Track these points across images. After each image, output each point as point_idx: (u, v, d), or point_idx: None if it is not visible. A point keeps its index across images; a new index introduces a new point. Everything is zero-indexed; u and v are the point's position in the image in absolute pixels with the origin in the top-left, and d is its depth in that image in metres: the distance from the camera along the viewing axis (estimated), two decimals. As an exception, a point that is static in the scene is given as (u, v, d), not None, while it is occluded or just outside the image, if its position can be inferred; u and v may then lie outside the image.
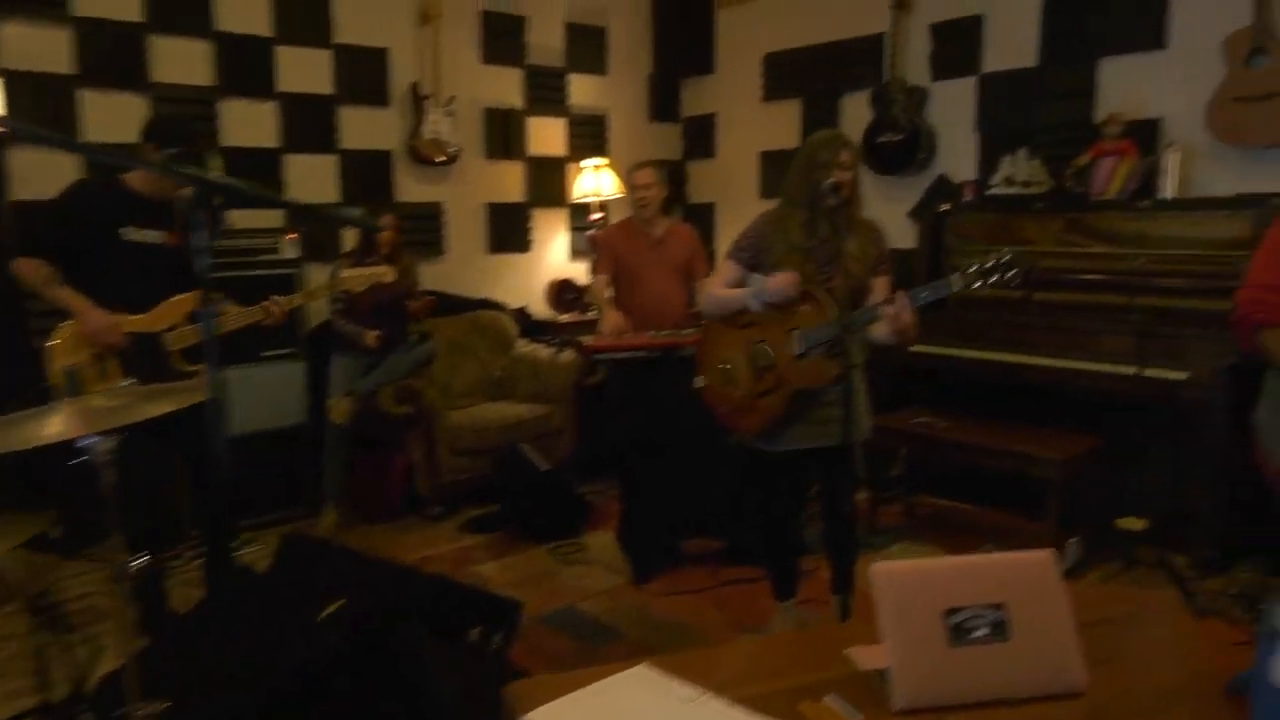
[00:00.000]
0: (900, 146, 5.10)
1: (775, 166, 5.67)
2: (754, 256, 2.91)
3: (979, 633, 1.32)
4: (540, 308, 5.70)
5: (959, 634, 1.32)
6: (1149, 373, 3.66)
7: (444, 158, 5.26)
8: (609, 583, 3.76)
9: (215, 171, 3.76)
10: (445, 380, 4.97)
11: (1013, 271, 2.38)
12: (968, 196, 4.73)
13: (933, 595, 1.33)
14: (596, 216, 5.65)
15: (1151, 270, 4.00)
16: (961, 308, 4.63)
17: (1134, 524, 3.61)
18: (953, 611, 1.33)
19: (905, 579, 1.35)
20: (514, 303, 5.62)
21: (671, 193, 4.81)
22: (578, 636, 3.29)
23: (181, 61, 4.45)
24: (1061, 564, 3.68)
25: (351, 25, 4.94)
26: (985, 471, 4.12)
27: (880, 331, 2.59)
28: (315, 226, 4.71)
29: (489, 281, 5.61)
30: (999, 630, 1.33)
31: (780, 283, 2.72)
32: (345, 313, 4.44)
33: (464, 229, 5.50)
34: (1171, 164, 4.07)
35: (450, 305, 5.23)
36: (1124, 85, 4.38)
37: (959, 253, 4.69)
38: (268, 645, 2.20)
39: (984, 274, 2.43)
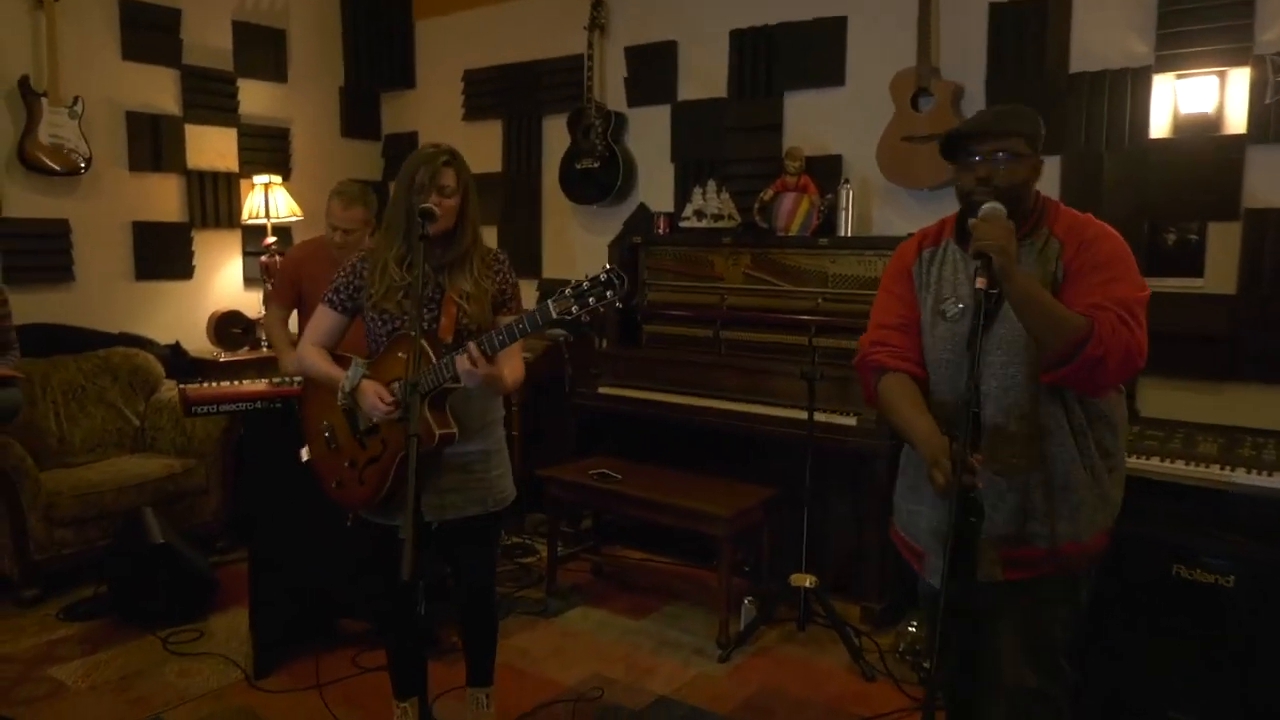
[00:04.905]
0: (599, 174, 4.82)
1: (480, 191, 5.22)
2: (351, 298, 2.45)
3: None
4: (201, 344, 4.94)
5: None
6: (821, 417, 3.51)
7: (69, 167, 4.43)
8: (222, 680, 3.13)
9: None
10: (59, 432, 4.14)
11: (610, 292, 2.04)
12: (661, 229, 4.51)
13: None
14: (270, 242, 4.98)
15: (828, 310, 3.90)
16: (652, 346, 4.39)
17: (804, 580, 3.42)
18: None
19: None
20: (167, 338, 4.85)
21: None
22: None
23: None
24: (738, 624, 3.51)
25: (-69, 2, 4.06)
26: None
27: (468, 383, 2.19)
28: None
29: (137, 313, 4.80)
30: None
31: (369, 399, 2.28)
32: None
33: (100, 251, 4.67)
34: (848, 201, 4.00)
35: (73, 341, 4.40)
36: (807, 120, 4.31)
37: (653, 288, 4.45)
38: None
39: (579, 297, 2.06)
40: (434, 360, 2.23)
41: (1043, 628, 1.94)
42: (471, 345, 2.12)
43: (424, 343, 2.23)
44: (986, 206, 1.82)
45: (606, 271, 2.06)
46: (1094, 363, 1.76)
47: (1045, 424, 1.88)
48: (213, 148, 5.09)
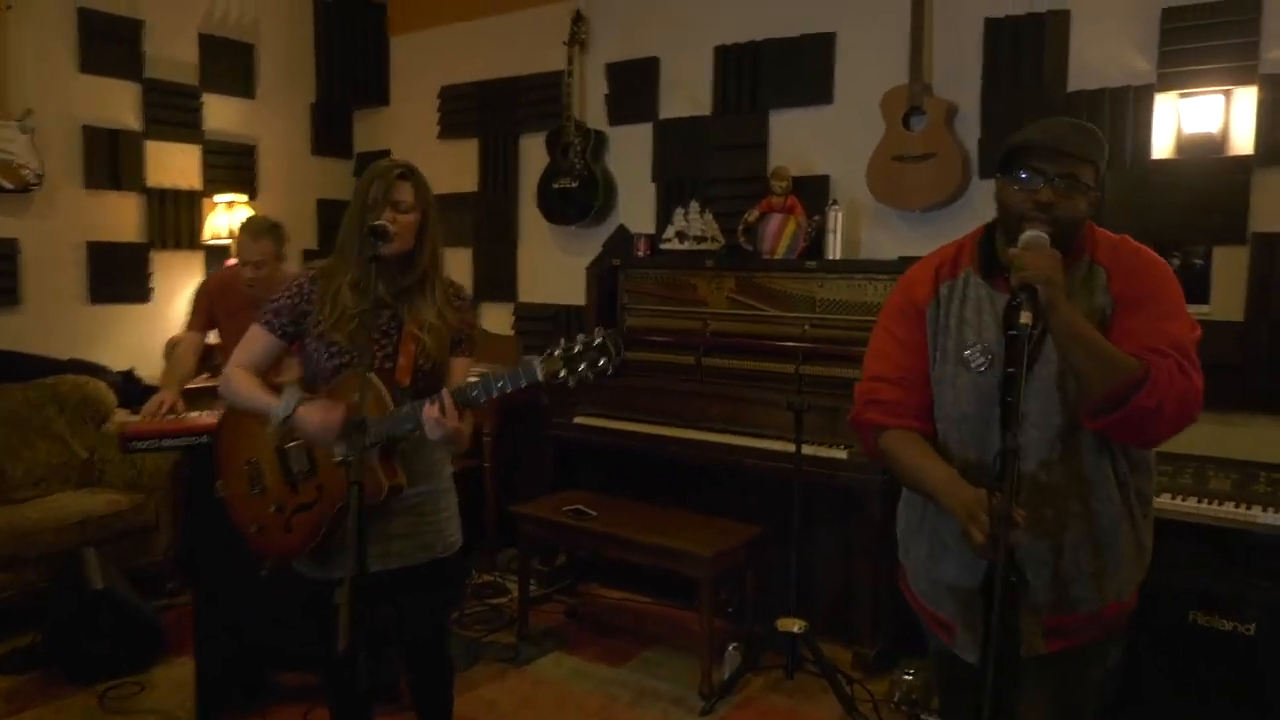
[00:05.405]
0: (577, 194, 4.63)
1: (454, 211, 5.03)
2: (294, 323, 2.21)
3: None
4: (158, 370, 4.67)
5: None
6: (809, 450, 3.31)
7: (19, 184, 4.20)
8: (161, 739, 2.88)
9: None
10: (-1, 465, 3.89)
11: (604, 360, 1.84)
12: (641, 251, 4.32)
13: None
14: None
15: (816, 336, 3.72)
16: (632, 373, 4.18)
17: (793, 625, 3.20)
18: None
19: None
20: (122, 364, 4.60)
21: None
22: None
23: None
24: (722, 672, 3.28)
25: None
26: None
27: (431, 435, 1.97)
28: None
29: (89, 338, 4.55)
30: None
31: (317, 422, 2.03)
32: None
33: (51, 273, 4.43)
34: (836, 223, 3.82)
35: (18, 368, 4.15)
36: (794, 139, 4.14)
37: (633, 313, 4.25)
38: None
39: (569, 360, 1.87)
40: (390, 406, 2.03)
41: (1073, 694, 1.72)
42: (446, 395, 1.91)
43: (379, 385, 2.03)
44: (1027, 235, 1.58)
45: (602, 336, 1.86)
46: (1147, 412, 1.53)
47: (1089, 476, 1.65)
48: (174, 165, 4.86)
